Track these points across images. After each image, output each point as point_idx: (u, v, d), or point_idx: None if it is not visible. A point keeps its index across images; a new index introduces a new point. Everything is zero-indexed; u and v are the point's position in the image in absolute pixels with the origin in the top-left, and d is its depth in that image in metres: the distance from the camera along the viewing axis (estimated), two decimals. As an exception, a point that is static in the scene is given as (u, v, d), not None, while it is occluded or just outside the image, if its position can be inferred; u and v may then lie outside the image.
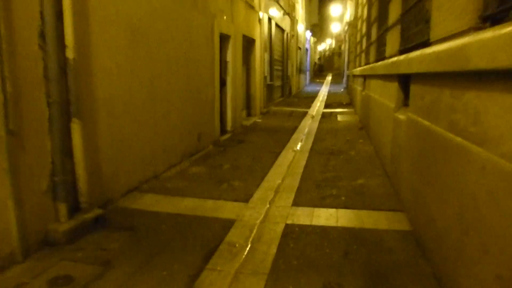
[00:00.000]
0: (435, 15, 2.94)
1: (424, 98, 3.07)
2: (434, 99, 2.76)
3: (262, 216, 3.56)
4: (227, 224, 3.35)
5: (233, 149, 6.61)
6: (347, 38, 24.31)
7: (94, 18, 3.50)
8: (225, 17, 7.35)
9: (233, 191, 4.31)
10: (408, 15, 4.21)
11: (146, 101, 4.47)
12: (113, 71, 3.82)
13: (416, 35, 3.75)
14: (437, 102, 2.67)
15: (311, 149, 6.56)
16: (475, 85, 1.99)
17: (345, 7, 23.98)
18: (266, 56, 12.26)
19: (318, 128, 8.97)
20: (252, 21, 10.02)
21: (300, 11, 22.81)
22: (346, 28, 23.68)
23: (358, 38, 12.57)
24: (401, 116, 3.95)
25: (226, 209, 3.77)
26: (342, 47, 42.08)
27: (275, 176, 4.92)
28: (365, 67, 8.85)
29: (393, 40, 5.04)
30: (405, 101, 4.29)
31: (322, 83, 34.06)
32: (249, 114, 10.71)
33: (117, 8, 3.84)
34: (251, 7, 9.76)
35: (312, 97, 18.75)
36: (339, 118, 10.76)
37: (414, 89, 3.45)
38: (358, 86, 11.36)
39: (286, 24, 16.53)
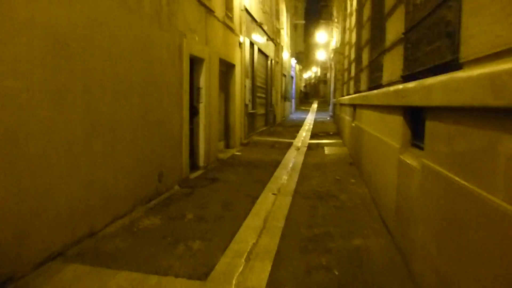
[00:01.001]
0: (471, 23, 2.01)
1: (455, 143, 2.11)
2: (478, 146, 1.80)
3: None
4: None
5: (202, 191, 5.55)
6: (333, 66, 23.86)
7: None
8: (197, 38, 6.43)
9: (190, 258, 3.23)
10: (416, 31, 3.32)
11: (78, 136, 3.42)
12: (22, 96, 2.78)
13: (432, 54, 2.83)
14: (486, 152, 1.71)
15: (296, 191, 5.54)
16: None
17: (330, 35, 23.63)
18: (248, 82, 11.40)
19: (304, 162, 7.99)
20: (232, 44, 9.17)
21: (285, 38, 22.31)
22: (332, 55, 23.24)
23: (346, 65, 11.85)
24: (411, 162, 2.98)
25: (174, 292, 2.69)
26: (328, 74, 42.00)
27: (248, 232, 3.86)
28: (355, 95, 8.00)
29: (392, 63, 4.15)
30: (414, 140, 3.34)
31: (308, 110, 33.51)
32: (227, 146, 9.71)
33: (32, 13, 2.85)
34: (230, 29, 8.93)
35: (298, 125, 17.92)
36: (327, 150, 9.83)
37: (434, 127, 2.50)
38: (346, 116, 10.52)
39: (270, 50, 15.84)
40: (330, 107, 26.82)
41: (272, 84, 17.37)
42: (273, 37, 16.10)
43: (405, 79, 3.63)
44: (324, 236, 3.74)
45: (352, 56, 9.49)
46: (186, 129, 6.05)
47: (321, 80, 67.95)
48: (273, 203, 4.89)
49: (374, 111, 5.20)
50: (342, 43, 13.92)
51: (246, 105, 10.93)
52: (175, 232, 3.86)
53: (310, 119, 22.89)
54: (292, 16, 27.98)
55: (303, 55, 41.57)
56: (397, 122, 3.62)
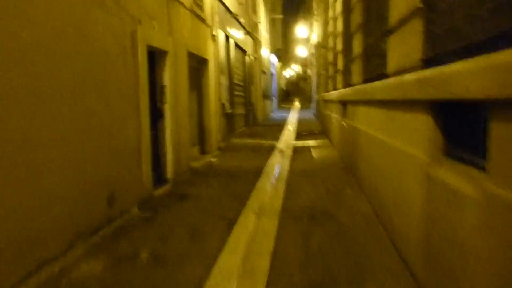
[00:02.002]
0: None
1: None
2: None
3: None
4: None
5: (167, 214, 4.47)
6: (314, 61, 22.98)
7: None
8: (156, 26, 5.33)
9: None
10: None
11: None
12: None
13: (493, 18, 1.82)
14: None
15: (283, 208, 4.51)
16: None
17: (311, 29, 22.73)
18: (224, 80, 10.32)
19: (291, 169, 6.98)
20: (203, 36, 8.08)
21: (264, 32, 21.29)
22: (313, 50, 22.34)
23: (330, 58, 10.89)
24: (460, 185, 1.97)
25: None
26: (309, 71, 41.22)
27: (222, 280, 2.81)
28: (344, 90, 7.03)
29: (403, 45, 3.16)
30: (448, 149, 2.35)
31: (290, 109, 32.62)
32: (203, 152, 8.62)
33: None
34: (201, 19, 7.85)
35: (281, 125, 16.93)
36: (314, 153, 8.85)
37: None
38: (333, 114, 9.56)
39: (248, 45, 14.78)
40: (313, 104, 25.96)
41: (251, 81, 16.33)
42: (251, 31, 15.05)
43: (428, 63, 2.64)
44: (324, 283, 2.72)
45: (339, 46, 8.52)
46: (146, 135, 4.95)
47: (302, 78, 67.30)
48: (255, 229, 3.85)
49: (376, 107, 4.21)
50: (325, 35, 12.98)
51: (222, 105, 9.86)
52: (120, 284, 2.78)
53: (293, 117, 21.94)
54: (270, 12, 27.01)
55: (283, 52, 40.65)
56: (420, 122, 2.63)
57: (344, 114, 7.61)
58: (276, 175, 6.47)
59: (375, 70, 4.55)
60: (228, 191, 5.46)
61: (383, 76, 3.90)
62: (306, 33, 23.01)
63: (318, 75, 17.62)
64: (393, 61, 3.56)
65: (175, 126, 6.06)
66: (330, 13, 10.79)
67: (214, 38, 8.93)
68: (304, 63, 54.86)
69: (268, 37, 24.25)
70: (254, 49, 17.08)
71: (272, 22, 29.89)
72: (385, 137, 3.73)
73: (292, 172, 6.69)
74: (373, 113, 4.41)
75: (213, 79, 8.92)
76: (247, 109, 14.80)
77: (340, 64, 8.41)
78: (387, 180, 3.60)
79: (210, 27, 8.70)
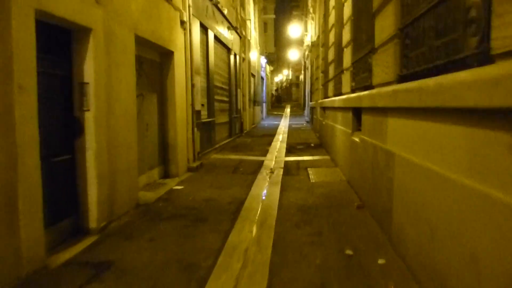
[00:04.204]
0: None
1: None
2: None
3: None
4: None
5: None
6: (308, 65, 21.02)
7: None
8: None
9: None
10: None
11: None
12: None
13: None
14: None
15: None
16: None
17: (305, 30, 20.80)
18: (200, 81, 8.23)
19: (281, 204, 4.91)
20: (167, 21, 6.00)
21: (253, 32, 19.28)
22: (307, 52, 20.39)
23: (332, 55, 8.88)
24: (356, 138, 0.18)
25: None
26: (301, 77, 39.33)
27: None
28: (361, 94, 4.95)
29: None
30: None
31: (281, 115, 30.60)
32: (166, 174, 6.51)
33: None
34: (163, -4, 5.78)
35: (270, 134, 14.87)
36: (313, 175, 6.78)
37: None
38: (338, 125, 7.52)
39: (233, 42, 12.73)
40: (306, 111, 23.98)
41: (238, 85, 14.26)
42: (237, 26, 13.00)
43: None
44: None
45: (346, 37, 6.49)
46: (30, 167, 2.83)
47: (293, 83, 65.54)
48: None
49: (444, 122, 2.16)
50: (325, 31, 10.99)
51: (197, 112, 7.76)
52: None
53: (284, 125, 19.91)
54: (261, 12, 25.08)
55: (274, 57, 38.71)
56: None
57: (356, 127, 5.58)
58: (260, 217, 4.38)
59: (441, 57, 2.49)
60: (182, 254, 3.35)
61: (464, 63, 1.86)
62: (300, 32, 21.02)
63: (314, 80, 15.63)
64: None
65: (106, 145, 3.95)
66: (332, 1, 8.80)
67: (184, 25, 6.86)
68: (296, 68, 53.11)
69: (259, 37, 22.25)
70: (242, 49, 15.04)
71: (263, 26, 27.97)
72: (470, 179, 1.67)
73: (283, 211, 4.60)
74: (432, 132, 2.35)
75: (182, 78, 6.82)
76: (232, 117, 12.70)
77: (347, 60, 6.38)
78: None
79: (179, 10, 6.63)
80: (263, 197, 5.34)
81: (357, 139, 5.25)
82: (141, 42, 5.16)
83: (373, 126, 4.29)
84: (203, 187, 5.99)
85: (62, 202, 3.54)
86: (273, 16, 28.32)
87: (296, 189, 5.76)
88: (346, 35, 6.50)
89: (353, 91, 5.91)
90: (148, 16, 5.17)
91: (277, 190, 5.74)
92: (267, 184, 6.19)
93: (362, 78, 5.17)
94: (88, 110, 3.69)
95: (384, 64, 3.81)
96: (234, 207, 4.84)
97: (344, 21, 6.74)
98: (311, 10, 17.23)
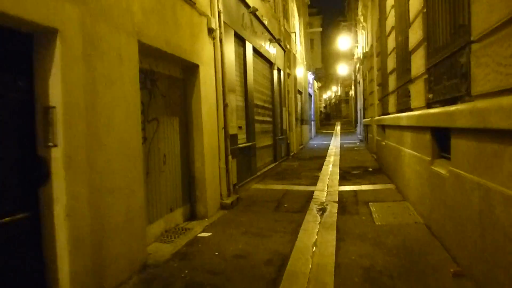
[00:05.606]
0: None
1: None
2: None
3: None
4: None
5: None
6: (359, 79, 19.41)
7: None
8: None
9: None
10: None
11: None
12: None
13: None
14: None
15: None
16: None
17: (355, 41, 19.28)
18: (235, 99, 7.07)
19: (338, 262, 3.50)
20: (189, 27, 4.91)
21: (299, 46, 18.06)
22: (358, 65, 18.81)
23: (392, 65, 7.39)
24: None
25: None
26: (351, 92, 37.47)
27: None
28: (448, 108, 3.47)
29: None
30: None
31: (330, 134, 28.90)
32: (193, 215, 5.31)
33: None
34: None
35: (320, 156, 13.38)
36: (376, 213, 5.28)
37: None
38: (406, 148, 5.98)
39: (276, 56, 11.56)
40: (358, 129, 22.20)
41: (283, 103, 13.01)
42: (280, 38, 11.83)
43: None
44: None
45: (416, 36, 5.02)
46: None
47: (343, 99, 63.35)
48: None
49: None
50: (380, 36, 9.51)
51: (232, 137, 6.56)
52: None
53: (335, 145, 18.30)
54: (307, 26, 23.92)
55: (322, 73, 37.21)
56: None
57: (438, 153, 4.08)
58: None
59: None
60: None
61: None
62: (349, 45, 19.51)
63: (367, 94, 14.04)
64: None
65: (89, 193, 2.80)
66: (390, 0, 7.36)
67: (212, 34, 5.75)
68: (346, 83, 51.19)
69: (305, 53, 21.00)
70: (287, 64, 13.83)
71: (310, 42, 26.76)
72: None
73: (342, 278, 3.19)
74: None
75: (211, 97, 5.68)
76: (276, 139, 11.42)
77: (418, 66, 4.91)
78: None
79: (205, 16, 5.54)
80: (313, 251, 3.96)
81: (442, 172, 3.73)
82: (152, 53, 4.07)
83: (479, 157, 2.81)
84: (236, 233, 4.70)
85: (19, 284, 2.41)
86: (320, 29, 26.99)
87: (357, 238, 4.32)
88: (416, 34, 5.03)
89: (428, 105, 4.43)
90: (159, 19, 4.07)
91: (331, 238, 4.33)
92: (318, 228, 4.79)
93: (448, 86, 3.69)
94: (55, 145, 2.57)
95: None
96: (274, 270, 3.50)
97: (411, 18, 5.30)
98: (361, 19, 15.77)
